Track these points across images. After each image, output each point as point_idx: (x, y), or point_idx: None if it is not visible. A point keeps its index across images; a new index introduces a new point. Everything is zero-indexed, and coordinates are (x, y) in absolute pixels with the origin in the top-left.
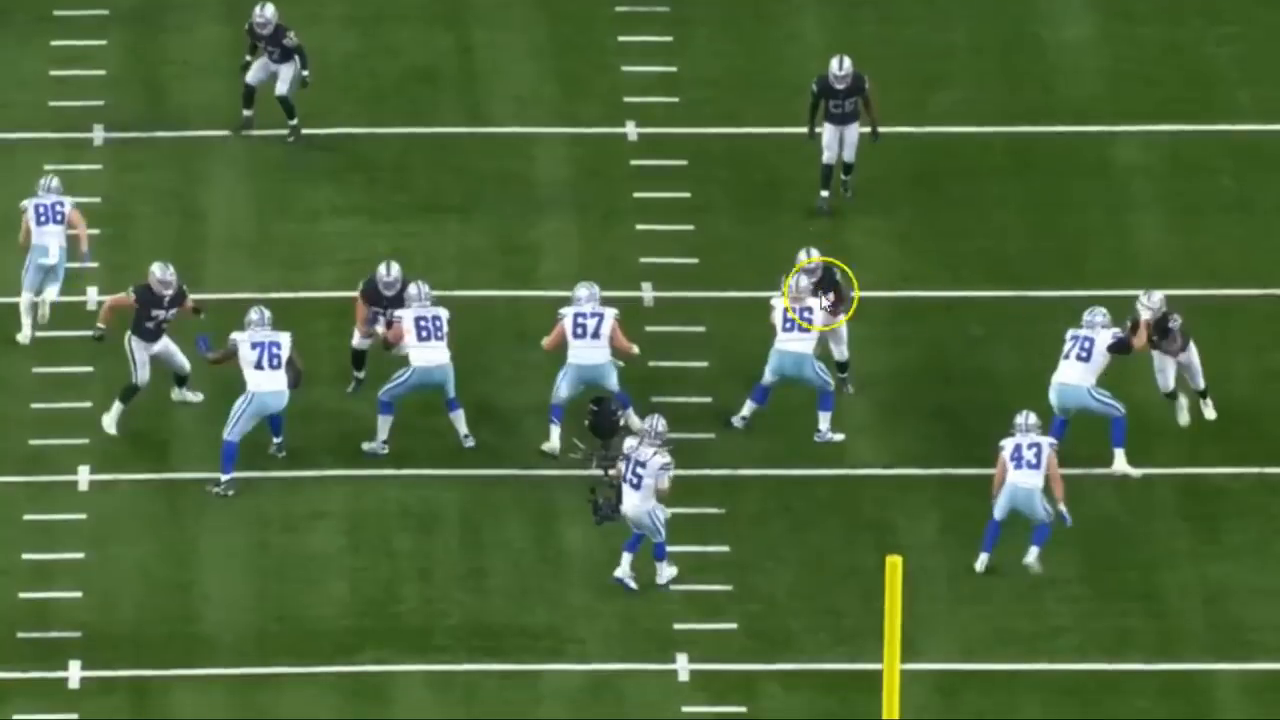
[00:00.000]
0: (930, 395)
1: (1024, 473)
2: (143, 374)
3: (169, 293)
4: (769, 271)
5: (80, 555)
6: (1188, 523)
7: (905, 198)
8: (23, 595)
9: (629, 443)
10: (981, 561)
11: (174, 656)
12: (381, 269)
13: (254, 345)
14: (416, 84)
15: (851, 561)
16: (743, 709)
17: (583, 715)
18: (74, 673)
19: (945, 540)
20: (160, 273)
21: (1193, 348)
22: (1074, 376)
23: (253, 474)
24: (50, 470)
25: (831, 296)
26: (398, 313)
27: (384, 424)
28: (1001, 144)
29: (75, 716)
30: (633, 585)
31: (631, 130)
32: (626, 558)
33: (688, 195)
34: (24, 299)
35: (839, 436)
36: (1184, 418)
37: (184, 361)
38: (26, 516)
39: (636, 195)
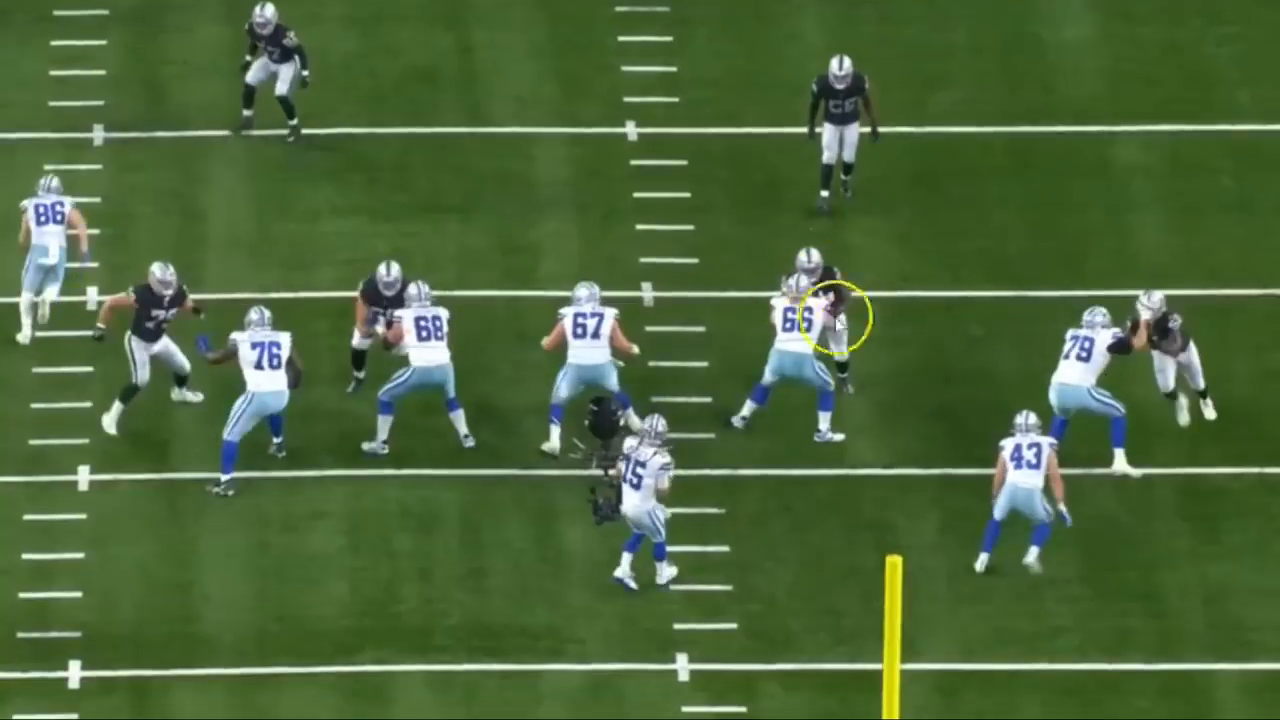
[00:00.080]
0: (930, 395)
1: (1024, 473)
2: (143, 374)
3: (169, 293)
4: (769, 271)
5: (80, 555)
6: (1188, 523)
7: (905, 198)
8: (23, 595)
9: (629, 443)
10: (981, 561)
11: (174, 656)
12: (381, 269)
13: (254, 345)
14: (416, 84)
15: (851, 561)
16: (743, 709)
17: (583, 715)
18: (74, 673)
19: (945, 540)
20: (160, 273)
21: (1193, 348)
22: (1074, 376)
23: (253, 474)
24: (50, 470)
25: (832, 296)
26: (398, 313)
27: (384, 424)
28: (1001, 144)
29: (75, 716)
30: (633, 585)
31: (631, 130)
32: (626, 558)
33: (688, 195)
34: (24, 299)
35: (839, 436)
36: (1184, 418)
37: (184, 361)
38: (26, 516)
39: (636, 195)
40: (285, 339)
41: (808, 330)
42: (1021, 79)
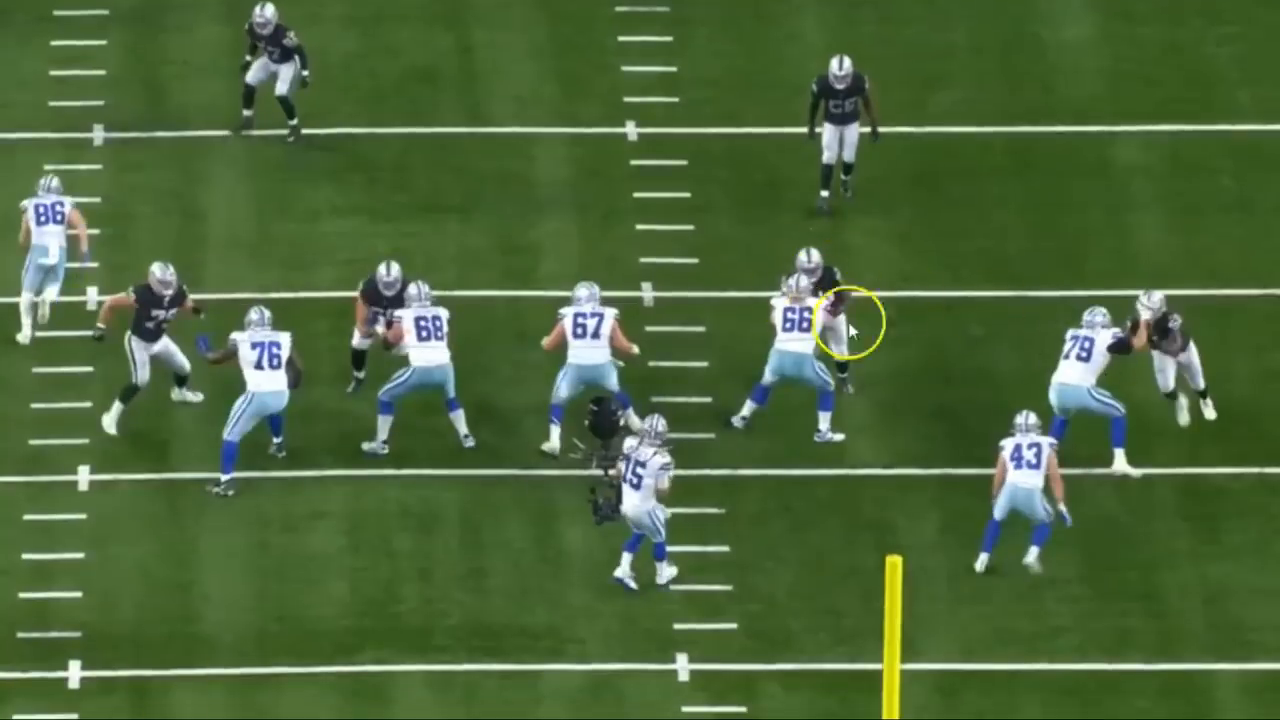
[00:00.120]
0: (930, 395)
1: (1024, 473)
2: (143, 374)
3: (169, 293)
4: (769, 271)
5: (80, 555)
6: (1188, 523)
7: (905, 198)
8: (23, 595)
9: (629, 443)
10: (981, 561)
11: (174, 656)
12: (381, 269)
13: (254, 345)
14: (416, 84)
15: (851, 561)
16: (743, 709)
17: (583, 715)
18: (74, 673)
19: (945, 540)
20: (160, 273)
21: (1193, 348)
22: (1074, 376)
23: (253, 474)
24: (50, 470)
25: (832, 297)
26: (398, 313)
27: (384, 424)
28: (1001, 144)
29: (75, 716)
30: (633, 585)
31: (631, 130)
32: (626, 558)
33: (688, 195)
34: (24, 299)
35: (839, 436)
36: (1184, 418)
37: (184, 361)
38: (26, 516)
39: (636, 195)
40: (285, 339)
41: (808, 330)
42: (1021, 79)
